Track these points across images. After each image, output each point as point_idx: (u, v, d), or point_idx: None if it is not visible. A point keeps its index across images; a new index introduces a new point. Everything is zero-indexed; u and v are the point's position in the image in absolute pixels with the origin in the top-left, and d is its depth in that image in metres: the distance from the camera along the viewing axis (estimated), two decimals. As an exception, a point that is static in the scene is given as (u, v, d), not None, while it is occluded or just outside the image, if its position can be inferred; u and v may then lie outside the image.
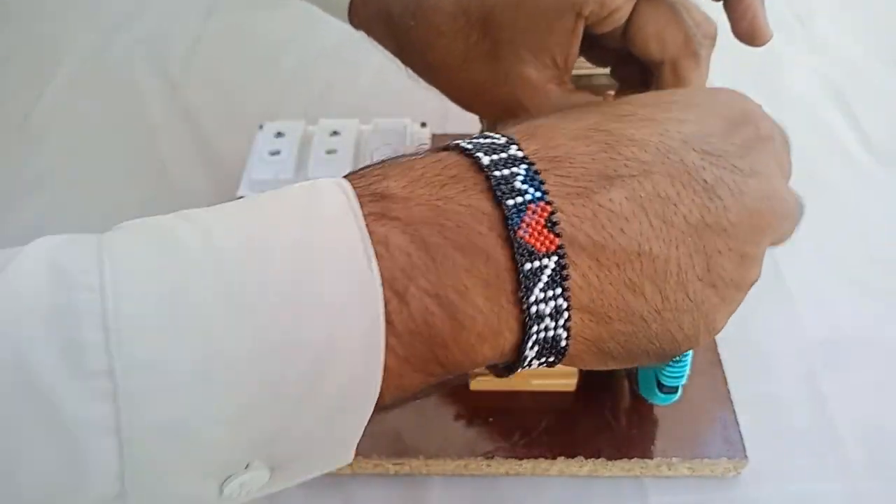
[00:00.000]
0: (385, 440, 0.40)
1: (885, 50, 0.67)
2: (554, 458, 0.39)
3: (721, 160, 0.23)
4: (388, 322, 0.20)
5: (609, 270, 0.22)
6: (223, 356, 0.19)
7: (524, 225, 0.21)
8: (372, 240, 0.20)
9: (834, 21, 0.70)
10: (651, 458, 0.39)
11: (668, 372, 0.36)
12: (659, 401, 0.38)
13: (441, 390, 0.22)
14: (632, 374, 0.40)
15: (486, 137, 0.23)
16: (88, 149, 0.60)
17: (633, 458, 0.39)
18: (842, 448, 0.41)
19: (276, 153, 0.49)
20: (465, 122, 0.55)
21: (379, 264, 0.20)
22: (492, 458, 0.39)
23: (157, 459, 0.19)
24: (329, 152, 0.49)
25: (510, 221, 0.21)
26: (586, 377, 0.42)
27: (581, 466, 0.39)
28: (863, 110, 0.61)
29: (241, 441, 0.20)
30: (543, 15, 0.31)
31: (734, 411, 0.41)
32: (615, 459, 0.39)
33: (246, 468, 0.20)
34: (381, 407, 0.21)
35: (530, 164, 0.22)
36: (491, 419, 0.41)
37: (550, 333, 0.22)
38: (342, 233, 0.20)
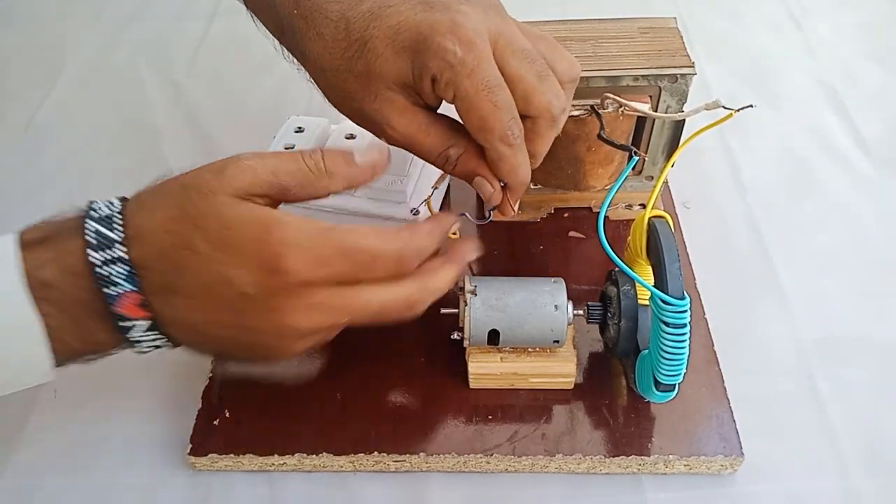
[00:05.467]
0: (386, 437, 0.40)
1: (880, 52, 0.67)
2: (552, 455, 0.40)
3: (247, 299, 0.33)
4: (53, 347, 0.34)
5: (184, 330, 0.35)
6: None
7: (119, 303, 0.33)
8: (41, 312, 0.33)
9: (829, 23, 0.71)
10: (648, 455, 0.40)
11: (665, 370, 0.36)
12: (656, 398, 0.39)
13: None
14: (629, 373, 0.41)
15: (109, 225, 0.34)
16: (93, 150, 0.61)
17: (630, 455, 0.40)
18: (837, 445, 0.42)
19: (290, 147, 0.50)
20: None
21: (45, 321, 0.33)
22: (491, 455, 0.40)
23: None
24: None
25: (107, 302, 0.33)
26: (585, 376, 0.43)
27: (579, 463, 0.40)
28: (858, 112, 0.61)
29: None
30: (412, 64, 0.36)
31: (730, 409, 0.41)
32: (613, 457, 0.40)
33: None
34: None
35: (131, 267, 0.33)
36: (490, 417, 0.41)
37: (155, 345, 0.35)
38: (14, 310, 0.33)
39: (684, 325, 0.35)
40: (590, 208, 0.52)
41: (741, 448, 0.40)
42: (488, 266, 0.49)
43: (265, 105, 0.63)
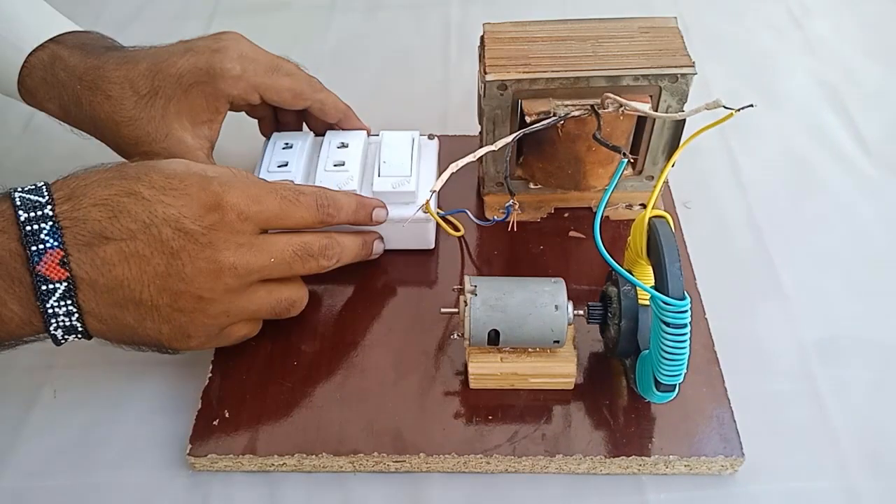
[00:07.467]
0: (385, 438, 0.40)
1: (880, 51, 0.67)
2: (552, 455, 0.40)
3: (186, 235, 0.36)
4: None
5: (101, 294, 0.36)
6: None
7: (42, 262, 0.34)
8: None
9: (829, 22, 0.71)
10: (648, 455, 0.40)
11: (666, 370, 0.36)
12: (656, 399, 0.39)
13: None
14: (629, 373, 0.41)
15: (37, 193, 0.36)
16: (92, 153, 0.60)
17: (630, 455, 0.40)
18: (837, 445, 0.42)
19: (283, 165, 0.49)
20: (463, 127, 0.56)
21: None
22: (491, 455, 0.40)
23: None
24: (337, 165, 0.49)
25: (31, 261, 0.34)
26: (585, 376, 0.43)
27: (579, 464, 0.40)
28: (858, 111, 0.61)
29: None
30: (207, 102, 0.46)
31: (731, 409, 0.41)
32: (613, 457, 0.40)
33: None
34: None
35: (56, 221, 0.35)
36: (490, 417, 0.41)
37: (68, 324, 0.36)
38: None
39: (685, 326, 0.35)
40: (590, 208, 0.52)
41: (742, 448, 0.39)
42: (488, 266, 0.49)
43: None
